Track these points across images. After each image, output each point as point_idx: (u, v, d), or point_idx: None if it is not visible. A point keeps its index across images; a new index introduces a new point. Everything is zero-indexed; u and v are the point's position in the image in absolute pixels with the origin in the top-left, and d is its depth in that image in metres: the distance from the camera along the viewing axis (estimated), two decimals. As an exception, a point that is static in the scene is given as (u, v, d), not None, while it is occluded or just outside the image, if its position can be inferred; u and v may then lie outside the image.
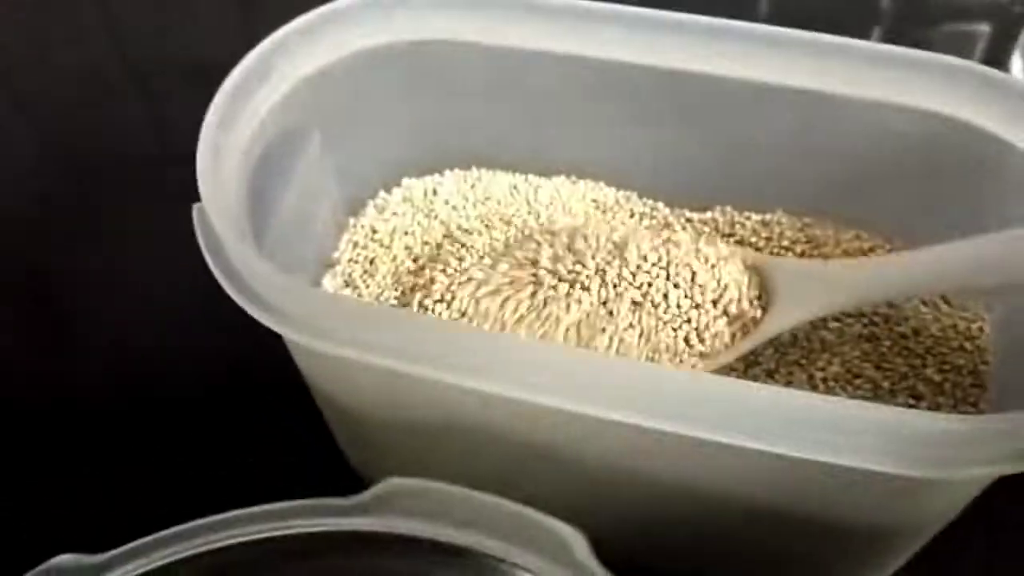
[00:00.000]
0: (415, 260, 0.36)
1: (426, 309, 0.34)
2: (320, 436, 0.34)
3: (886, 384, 0.33)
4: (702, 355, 0.31)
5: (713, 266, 0.32)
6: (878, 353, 0.34)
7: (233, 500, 0.26)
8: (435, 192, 0.38)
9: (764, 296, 0.32)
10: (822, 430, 0.23)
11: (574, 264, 0.32)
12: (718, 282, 0.32)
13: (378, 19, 0.33)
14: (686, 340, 0.31)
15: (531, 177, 0.38)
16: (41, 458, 0.37)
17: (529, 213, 0.38)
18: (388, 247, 0.37)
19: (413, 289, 0.35)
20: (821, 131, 0.33)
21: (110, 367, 0.40)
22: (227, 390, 0.38)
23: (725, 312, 0.32)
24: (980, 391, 0.33)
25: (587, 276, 0.32)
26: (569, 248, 0.33)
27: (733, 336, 0.32)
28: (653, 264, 0.32)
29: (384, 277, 0.36)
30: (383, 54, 0.34)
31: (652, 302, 0.32)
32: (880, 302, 0.34)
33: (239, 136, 0.31)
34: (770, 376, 0.33)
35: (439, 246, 0.36)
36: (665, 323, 0.31)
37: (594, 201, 0.38)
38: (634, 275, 0.32)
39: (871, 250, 0.36)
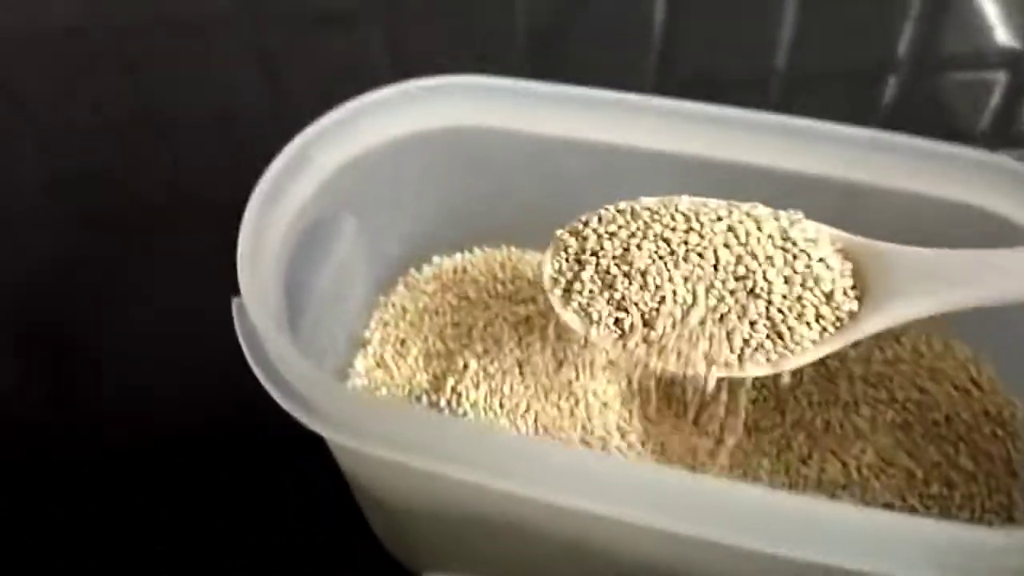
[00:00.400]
0: (444, 341, 0.36)
1: (459, 395, 0.34)
2: (360, 524, 0.34)
3: (919, 473, 0.33)
4: (785, 352, 0.29)
5: (801, 250, 0.29)
6: (911, 440, 0.34)
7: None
8: (465, 271, 0.38)
9: (859, 287, 0.29)
10: (860, 541, 0.24)
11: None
12: (808, 268, 0.29)
13: (411, 108, 0.34)
14: (769, 336, 0.29)
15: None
16: (58, 506, 0.37)
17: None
18: (418, 327, 0.37)
19: (446, 373, 0.35)
20: (852, 220, 0.34)
21: (129, 422, 0.40)
22: (267, 472, 0.38)
23: (816, 304, 0.28)
24: (1012, 479, 0.33)
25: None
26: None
27: (822, 332, 0.29)
28: (728, 247, 0.29)
29: (416, 358, 0.36)
30: (416, 141, 0.34)
31: (729, 292, 0.28)
32: (999, 302, 0.29)
33: (278, 225, 0.31)
34: (803, 463, 0.33)
35: (470, 327, 0.36)
36: (743, 317, 0.28)
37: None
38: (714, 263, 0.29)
39: (902, 334, 0.36)
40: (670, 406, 0.35)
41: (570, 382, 0.35)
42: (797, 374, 0.36)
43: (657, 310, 0.29)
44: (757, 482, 0.33)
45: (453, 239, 0.39)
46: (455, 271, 0.39)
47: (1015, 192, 0.32)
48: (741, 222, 0.29)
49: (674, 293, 0.29)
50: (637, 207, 0.30)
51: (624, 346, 0.30)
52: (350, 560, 0.35)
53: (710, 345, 0.29)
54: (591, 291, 0.30)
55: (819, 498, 0.31)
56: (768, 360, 0.29)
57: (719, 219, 0.29)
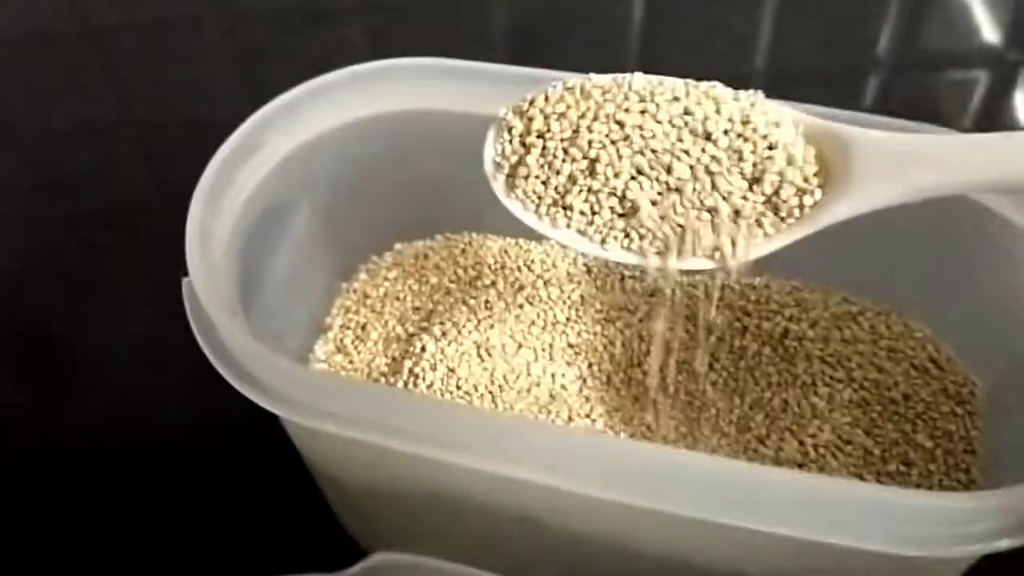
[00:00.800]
0: (404, 325, 0.36)
1: (416, 376, 0.34)
2: (316, 502, 0.34)
3: (877, 451, 0.33)
4: (741, 240, 0.27)
5: (762, 135, 0.26)
6: (869, 419, 0.34)
7: (228, 565, 0.26)
8: (426, 257, 0.39)
9: (823, 174, 0.27)
10: (818, 509, 0.23)
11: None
12: (768, 149, 0.26)
13: (364, 92, 0.34)
14: (733, 220, 0.27)
15: (522, 240, 0.39)
16: (34, 509, 0.37)
17: (520, 273, 0.38)
18: (379, 312, 0.37)
19: (404, 356, 0.35)
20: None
21: (104, 422, 0.40)
22: (222, 454, 0.38)
23: (775, 190, 0.26)
24: (971, 457, 0.33)
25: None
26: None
27: (783, 220, 0.27)
28: (678, 126, 0.26)
29: (375, 343, 0.36)
30: (370, 124, 0.34)
31: (677, 177, 0.26)
32: (969, 187, 0.28)
33: (229, 209, 0.31)
34: (761, 442, 0.33)
35: (430, 312, 0.36)
36: (697, 204, 0.26)
37: (585, 265, 0.38)
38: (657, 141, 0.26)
39: (860, 314, 0.36)
40: (630, 387, 0.35)
41: (528, 364, 0.35)
42: (756, 355, 0.36)
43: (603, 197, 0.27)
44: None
45: (414, 225, 0.39)
46: (416, 257, 0.39)
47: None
48: (699, 103, 0.27)
49: (625, 183, 0.27)
50: (587, 85, 0.28)
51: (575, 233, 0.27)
52: (309, 540, 0.35)
53: (671, 238, 0.27)
54: (536, 177, 0.28)
55: (778, 469, 0.31)
56: (716, 253, 0.27)
57: (675, 99, 0.27)
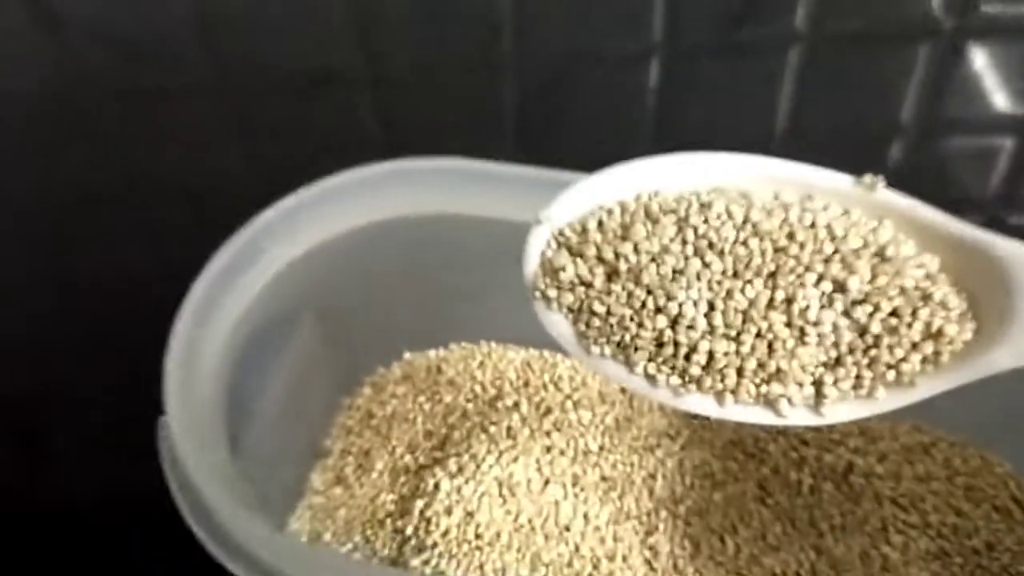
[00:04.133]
0: (414, 454, 0.32)
1: (428, 521, 0.29)
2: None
3: (961, 614, 0.29)
4: (891, 385, 0.22)
5: (897, 265, 0.21)
6: (950, 573, 0.29)
7: None
8: (439, 370, 0.34)
9: (974, 308, 0.22)
10: None
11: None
12: (913, 287, 0.21)
13: (372, 195, 0.30)
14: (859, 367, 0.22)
15: (547, 353, 0.35)
16: None
17: (546, 392, 0.34)
18: (386, 436, 0.33)
19: (415, 494, 0.30)
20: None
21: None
22: None
23: (924, 331, 0.21)
24: (1069, 619, 0.29)
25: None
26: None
27: (927, 364, 0.22)
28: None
29: (381, 474, 0.31)
30: (378, 230, 0.30)
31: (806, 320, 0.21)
32: None
33: (221, 327, 0.27)
34: (826, 602, 0.29)
35: (444, 438, 0.32)
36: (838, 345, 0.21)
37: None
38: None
39: (932, 445, 0.32)
40: (674, 527, 0.31)
41: (557, 504, 0.30)
42: (816, 492, 0.31)
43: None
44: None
45: (426, 333, 0.35)
46: (428, 370, 0.34)
47: None
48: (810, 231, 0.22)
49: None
50: (654, 206, 0.23)
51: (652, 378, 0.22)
52: None
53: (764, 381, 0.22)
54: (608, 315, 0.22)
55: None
56: (860, 398, 0.22)
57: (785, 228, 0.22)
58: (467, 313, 0.34)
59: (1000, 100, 0.56)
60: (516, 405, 0.33)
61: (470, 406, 0.33)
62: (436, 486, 0.30)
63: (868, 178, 0.23)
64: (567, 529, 0.30)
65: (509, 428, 0.32)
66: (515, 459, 0.31)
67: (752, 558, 0.30)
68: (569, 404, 0.33)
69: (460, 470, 0.30)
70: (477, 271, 0.33)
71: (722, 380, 0.22)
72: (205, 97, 0.55)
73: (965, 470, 0.32)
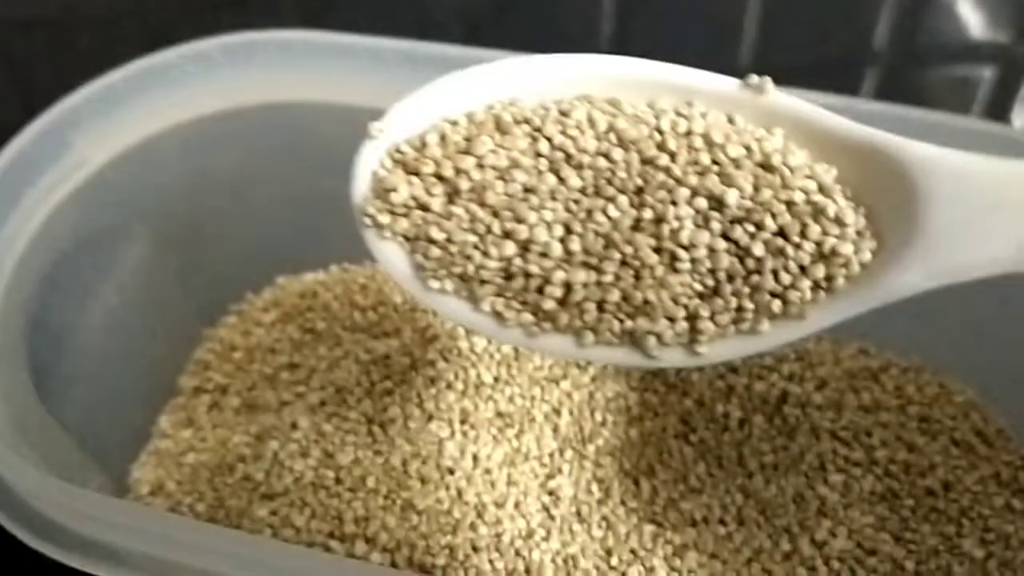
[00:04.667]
0: (276, 389, 0.27)
1: (281, 464, 0.25)
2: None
3: (910, 564, 0.24)
4: (777, 317, 0.18)
5: (784, 177, 0.18)
6: (898, 519, 0.25)
7: None
8: (315, 295, 0.30)
9: (875, 225, 0.18)
10: None
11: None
12: (803, 202, 0.18)
13: (211, 78, 0.25)
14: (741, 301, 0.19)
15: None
16: None
17: (435, 320, 0.29)
18: (246, 370, 0.28)
19: (268, 434, 0.26)
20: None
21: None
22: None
23: (815, 252, 0.18)
24: (1037, 569, 0.25)
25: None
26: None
27: (818, 291, 0.18)
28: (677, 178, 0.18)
29: (236, 413, 0.27)
30: (222, 124, 0.25)
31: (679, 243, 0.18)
32: None
33: (13, 245, 0.23)
34: (757, 554, 0.24)
35: (311, 371, 0.27)
36: (711, 274, 0.18)
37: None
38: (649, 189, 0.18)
39: (882, 371, 0.28)
40: (582, 472, 0.26)
41: (440, 443, 0.26)
42: (745, 426, 0.27)
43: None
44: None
45: (302, 254, 0.30)
46: (302, 296, 0.30)
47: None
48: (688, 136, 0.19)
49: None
50: (505, 116, 0.19)
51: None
52: None
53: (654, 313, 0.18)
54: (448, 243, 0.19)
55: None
56: (742, 333, 0.19)
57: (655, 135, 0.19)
58: (349, 230, 0.30)
59: (977, 27, 0.52)
60: (397, 331, 0.28)
61: (345, 334, 0.28)
62: (293, 424, 0.25)
63: (755, 79, 0.20)
64: (450, 472, 0.25)
65: (386, 357, 0.27)
66: (388, 392, 0.26)
67: (670, 502, 0.26)
68: (459, 330, 0.28)
69: (322, 404, 0.26)
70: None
71: (581, 316, 0.19)
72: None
73: (919, 399, 0.27)
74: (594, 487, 0.26)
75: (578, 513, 0.26)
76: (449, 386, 0.27)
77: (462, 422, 0.27)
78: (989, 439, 0.26)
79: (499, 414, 0.27)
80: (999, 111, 0.48)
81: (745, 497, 0.26)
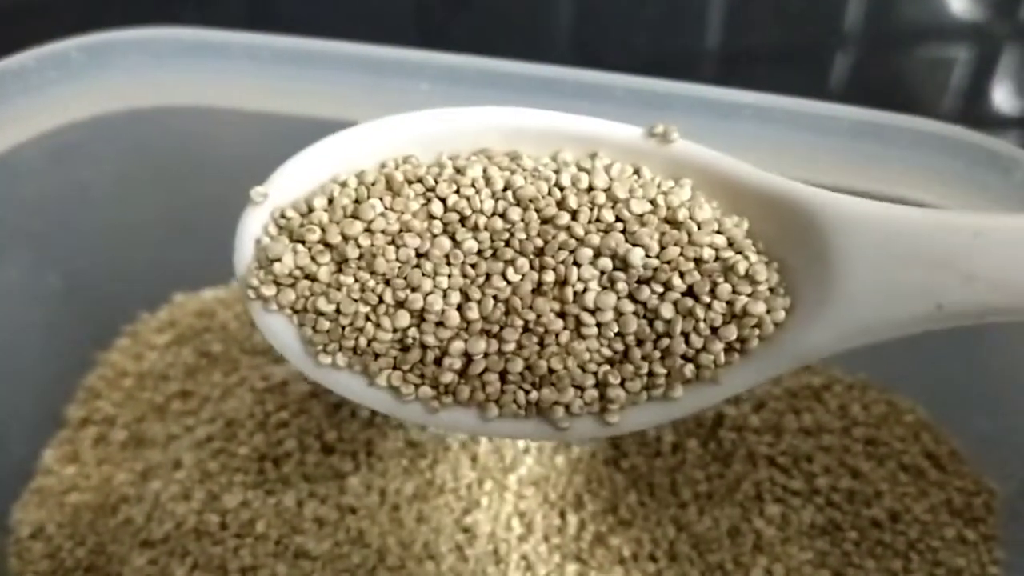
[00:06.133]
0: (164, 420, 0.25)
1: (163, 508, 0.22)
2: None
3: (853, 605, 0.22)
4: (691, 382, 0.17)
5: (691, 233, 0.17)
6: (840, 552, 0.23)
7: None
8: (213, 314, 0.27)
9: (788, 280, 0.17)
10: None
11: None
12: (712, 259, 0.17)
13: (76, 82, 0.22)
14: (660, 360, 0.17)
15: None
16: None
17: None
18: (135, 399, 0.26)
19: (151, 473, 0.23)
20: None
21: None
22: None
23: (726, 312, 0.17)
24: (991, 606, 0.23)
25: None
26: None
27: (732, 353, 0.17)
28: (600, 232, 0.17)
29: (123, 447, 0.25)
30: (91, 130, 0.23)
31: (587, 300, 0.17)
32: None
33: None
34: (681, 593, 0.22)
35: (204, 400, 0.25)
36: (622, 338, 0.17)
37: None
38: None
39: (825, 388, 0.25)
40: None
41: (343, 478, 0.24)
42: (678, 452, 0.25)
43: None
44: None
45: (198, 269, 0.28)
46: (200, 315, 0.27)
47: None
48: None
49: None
50: (397, 177, 0.18)
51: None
52: None
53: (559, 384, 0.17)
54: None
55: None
56: (655, 400, 0.17)
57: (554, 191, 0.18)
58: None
59: (952, 5, 0.50)
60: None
61: (244, 358, 0.26)
62: (177, 462, 0.23)
63: (661, 127, 0.18)
64: (352, 511, 0.23)
65: (284, 384, 0.25)
66: (284, 423, 0.24)
67: (597, 538, 0.24)
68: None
69: (209, 439, 0.24)
70: (246, 181, 0.26)
71: (483, 388, 0.17)
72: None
73: (865, 419, 0.25)
74: (514, 522, 0.24)
75: (495, 552, 0.24)
76: (353, 414, 0.25)
77: (367, 454, 0.24)
78: (941, 463, 0.24)
79: (410, 443, 0.25)
80: (975, 92, 0.46)
81: (678, 530, 0.24)
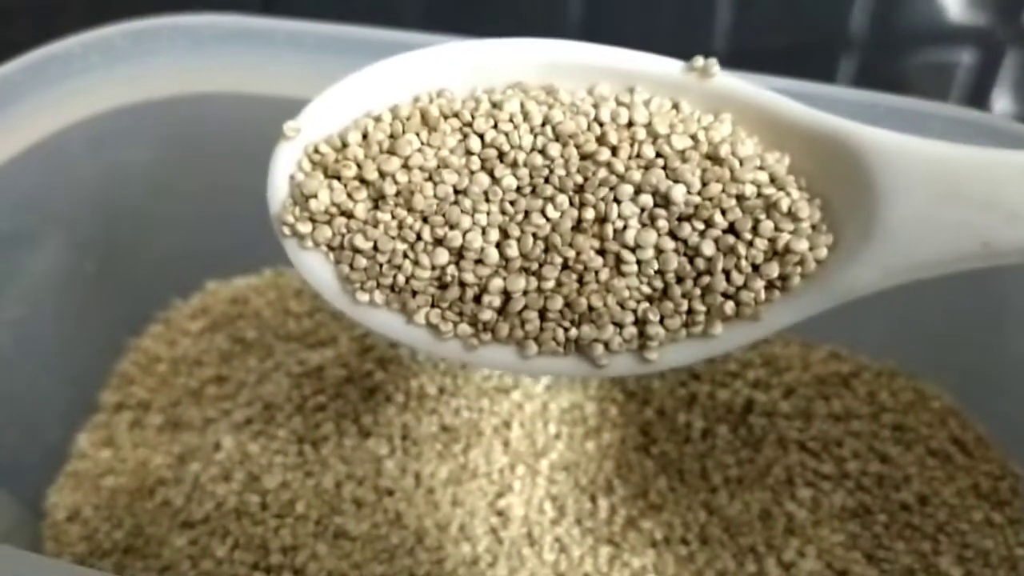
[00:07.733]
0: (200, 405, 0.25)
1: (201, 489, 0.23)
2: None
3: (885, 585, 0.22)
4: (731, 319, 0.17)
5: (733, 169, 0.17)
6: (871, 536, 0.23)
7: None
8: (247, 301, 0.27)
9: (830, 217, 0.17)
10: None
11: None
12: (754, 195, 0.17)
13: (119, 68, 0.23)
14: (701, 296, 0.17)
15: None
16: None
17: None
18: (169, 384, 0.26)
19: (191, 455, 0.24)
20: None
21: None
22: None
23: (768, 249, 0.17)
24: (1019, 587, 0.23)
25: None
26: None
27: (773, 290, 0.17)
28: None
29: (159, 431, 0.25)
30: (132, 119, 0.23)
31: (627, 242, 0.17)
32: None
33: None
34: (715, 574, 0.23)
35: (240, 385, 0.25)
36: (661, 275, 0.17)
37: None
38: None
39: (853, 376, 0.26)
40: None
41: (379, 461, 0.24)
42: (708, 437, 0.25)
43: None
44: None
45: (231, 256, 0.28)
46: (233, 302, 0.28)
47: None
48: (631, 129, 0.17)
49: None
50: (432, 110, 0.17)
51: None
52: None
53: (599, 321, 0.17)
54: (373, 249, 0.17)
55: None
56: (694, 337, 0.17)
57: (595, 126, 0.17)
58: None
59: (956, 9, 0.50)
60: (333, 340, 0.26)
61: (278, 344, 0.26)
62: (216, 444, 0.23)
63: (700, 61, 0.18)
64: (389, 493, 0.23)
65: (320, 369, 0.25)
66: (321, 407, 0.24)
67: (628, 521, 0.24)
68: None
69: (248, 422, 0.24)
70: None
71: (522, 326, 0.17)
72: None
73: (893, 405, 0.25)
74: (547, 506, 0.24)
75: (529, 535, 0.24)
76: (389, 399, 0.25)
77: (403, 438, 0.25)
78: (968, 448, 0.25)
79: (444, 428, 0.25)
80: (979, 96, 0.47)
81: (708, 514, 0.24)
